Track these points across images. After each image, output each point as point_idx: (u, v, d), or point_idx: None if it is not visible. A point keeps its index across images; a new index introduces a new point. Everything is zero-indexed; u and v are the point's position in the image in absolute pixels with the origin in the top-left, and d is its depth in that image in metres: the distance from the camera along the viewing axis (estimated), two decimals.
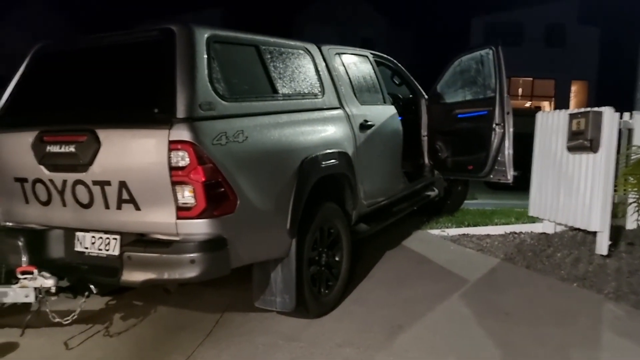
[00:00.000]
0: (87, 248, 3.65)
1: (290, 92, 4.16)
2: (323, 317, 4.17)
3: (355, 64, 5.35)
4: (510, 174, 5.47)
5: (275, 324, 4.06)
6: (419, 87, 6.65)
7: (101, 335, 3.94)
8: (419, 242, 6.28)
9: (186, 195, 3.17)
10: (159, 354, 3.68)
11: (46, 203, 3.64)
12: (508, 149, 5.42)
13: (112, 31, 3.82)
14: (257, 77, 3.92)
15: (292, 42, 4.45)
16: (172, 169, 3.14)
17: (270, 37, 4.22)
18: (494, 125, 5.41)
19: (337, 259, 4.42)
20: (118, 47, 3.72)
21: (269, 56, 4.05)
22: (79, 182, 3.44)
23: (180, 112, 3.17)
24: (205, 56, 3.41)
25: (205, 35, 3.49)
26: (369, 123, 5.00)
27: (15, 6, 26.71)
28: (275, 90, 3.99)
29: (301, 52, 4.49)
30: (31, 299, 3.44)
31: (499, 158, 5.47)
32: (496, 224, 7.02)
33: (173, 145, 3.12)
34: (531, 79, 30.25)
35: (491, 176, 5.59)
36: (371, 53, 5.83)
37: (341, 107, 4.71)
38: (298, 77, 4.31)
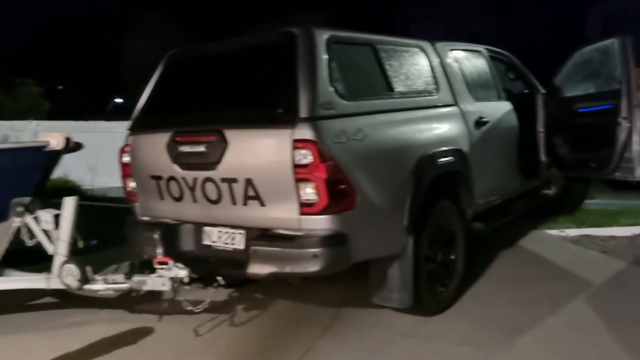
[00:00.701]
0: (214, 242, 3.88)
1: (406, 90, 4.18)
2: (439, 315, 4.14)
3: (468, 59, 5.26)
4: (639, 172, 5.11)
5: (391, 320, 4.09)
6: (535, 82, 6.39)
7: (226, 324, 4.16)
8: (536, 242, 6.03)
9: (309, 192, 3.28)
10: (280, 345, 3.83)
11: (178, 199, 3.91)
12: (636, 145, 5.07)
13: (234, 37, 4.05)
14: (373, 76, 3.97)
15: (406, 40, 4.46)
16: (296, 166, 3.27)
17: (385, 36, 4.26)
18: (619, 119, 5.08)
19: (452, 257, 4.37)
20: (242, 51, 3.93)
21: (384, 55, 4.10)
22: (208, 179, 3.68)
23: (303, 111, 3.30)
24: (325, 57, 3.52)
25: (325, 37, 3.59)
26: (484, 120, 4.89)
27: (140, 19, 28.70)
28: (391, 89, 4.02)
29: (415, 49, 4.49)
30: (167, 287, 3.72)
31: (625, 154, 5.13)
32: (622, 225, 6.57)
33: (296, 143, 3.25)
34: None
35: (617, 174, 5.26)
36: (485, 48, 5.69)
37: (456, 104, 4.65)
38: (413, 74, 4.32)
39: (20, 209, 3.83)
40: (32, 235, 3.94)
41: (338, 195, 3.30)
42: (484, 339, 3.74)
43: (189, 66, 4.20)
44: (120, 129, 9.81)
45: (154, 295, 4.30)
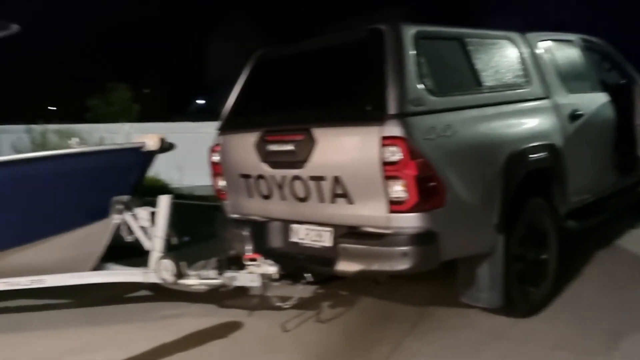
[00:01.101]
0: (301, 239, 3.94)
1: (496, 84, 4.06)
2: (531, 317, 3.98)
3: (561, 50, 5.02)
4: None
5: (479, 321, 3.98)
6: (634, 72, 6.02)
7: (313, 320, 4.20)
8: (635, 242, 5.68)
9: (398, 190, 3.26)
10: (366, 342, 3.83)
11: (267, 197, 4.00)
12: None
13: (316, 36, 4.08)
14: (462, 70, 3.89)
15: (494, 32, 4.33)
16: (385, 164, 3.25)
17: (473, 29, 4.16)
18: None
19: (545, 256, 4.20)
20: (329, 49, 3.96)
21: (472, 48, 4.00)
22: (296, 177, 3.73)
23: (392, 108, 3.28)
24: (413, 52, 3.48)
25: (412, 32, 3.55)
26: (578, 113, 4.66)
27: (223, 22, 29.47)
28: (480, 83, 3.92)
29: (504, 41, 4.35)
30: (257, 283, 3.81)
31: None
32: None
33: (385, 141, 3.24)
34: None
35: None
36: (578, 37, 5.42)
37: (548, 97, 4.46)
38: (502, 67, 4.18)
39: (119, 206, 4.05)
40: (130, 231, 4.15)
41: (428, 192, 3.26)
42: (581, 344, 3.57)
43: (276, 66, 4.28)
44: (205, 129, 10.20)
45: (242, 291, 4.41)
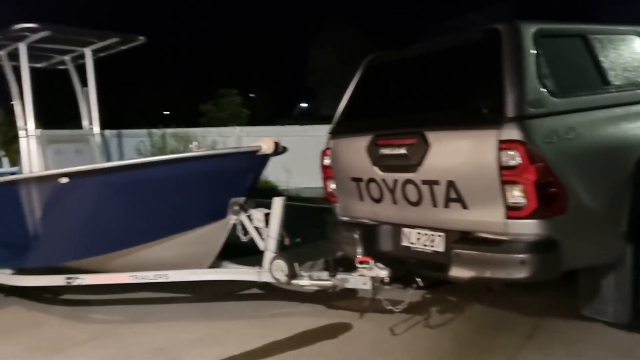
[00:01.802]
0: (412, 243, 3.91)
1: (624, 83, 3.80)
2: None
3: None
4: None
5: (603, 336, 3.74)
6: None
7: (422, 326, 4.15)
8: None
9: (516, 195, 3.15)
10: (479, 351, 3.72)
11: (378, 200, 4.01)
12: None
13: (425, 37, 4.03)
14: (586, 69, 3.68)
15: (622, 27, 4.06)
16: (502, 168, 3.15)
17: (597, 25, 3.92)
18: None
19: None
20: (443, 51, 3.90)
21: (597, 45, 3.77)
22: (408, 181, 3.71)
23: (510, 111, 3.17)
24: (533, 52, 3.35)
25: (532, 31, 3.42)
26: None
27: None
28: (606, 82, 3.69)
29: (633, 36, 4.06)
30: (368, 286, 3.82)
31: None
32: None
33: (503, 144, 3.14)
34: None
35: None
36: None
37: None
38: (631, 65, 3.90)
39: (236, 207, 4.23)
40: (245, 231, 4.33)
41: (548, 198, 3.12)
42: None
43: (388, 69, 4.29)
44: (313, 132, 10.46)
45: (350, 293, 4.45)
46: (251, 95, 31.11)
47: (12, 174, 6.03)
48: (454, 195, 3.45)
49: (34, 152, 5.20)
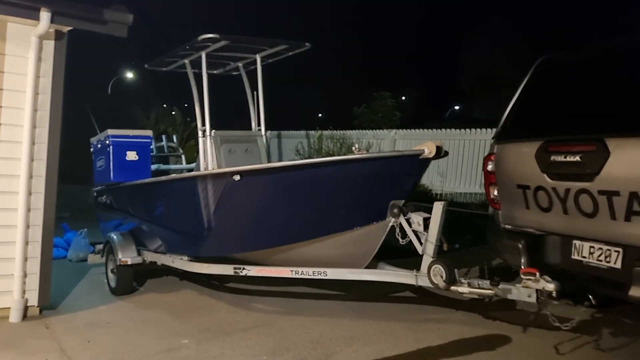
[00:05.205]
0: (584, 257, 3.64)
1: None
2: None
3: None
4: None
5: None
6: None
7: (591, 347, 3.86)
8: None
9: None
10: None
11: (546, 210, 3.79)
12: None
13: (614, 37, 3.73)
14: None
15: None
16: None
17: None
18: None
19: None
20: (623, 52, 3.59)
21: None
22: (583, 191, 3.46)
23: None
24: None
25: None
26: None
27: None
28: None
29: None
30: (533, 299, 3.60)
31: None
32: None
33: None
34: None
35: None
36: None
37: None
38: None
39: (396, 210, 4.24)
40: (403, 234, 4.32)
41: None
42: None
43: (561, 72, 4.04)
44: (469, 136, 10.18)
45: (509, 305, 4.26)
46: (403, 97, 31.02)
47: (190, 170, 6.64)
48: (638, 208, 3.16)
49: (209, 151, 5.65)
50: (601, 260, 3.51)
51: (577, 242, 3.69)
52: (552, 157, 3.64)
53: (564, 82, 3.98)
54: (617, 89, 3.52)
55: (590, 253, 3.59)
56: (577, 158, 3.45)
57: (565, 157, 3.54)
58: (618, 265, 3.37)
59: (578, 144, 3.47)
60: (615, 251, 3.43)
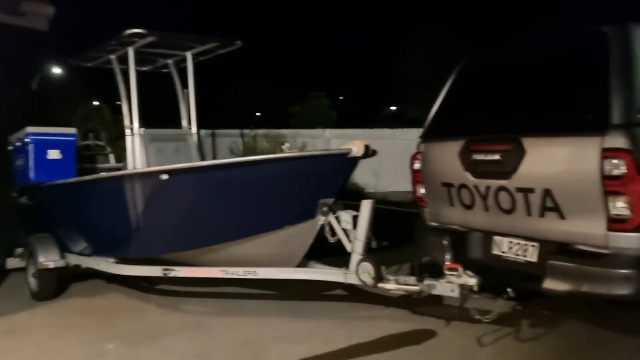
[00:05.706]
0: (504, 252, 3.79)
1: None
2: None
3: None
4: None
5: None
6: None
7: (511, 338, 4.00)
8: None
9: (620, 206, 2.98)
10: None
11: (469, 207, 3.92)
12: None
13: (523, 43, 3.90)
14: None
15: None
16: (605, 178, 3.00)
17: None
18: None
19: None
20: (541, 55, 3.76)
21: None
22: (502, 188, 3.61)
23: (616, 118, 3.02)
24: None
25: None
26: None
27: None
28: None
29: None
30: (456, 294, 3.73)
31: None
32: None
33: (607, 153, 2.98)
34: None
35: None
36: None
37: None
38: None
39: (325, 208, 4.27)
40: (333, 232, 4.36)
41: None
42: None
43: (483, 74, 4.18)
44: (402, 136, 10.39)
45: (435, 300, 4.37)
46: (340, 97, 31.32)
47: (118, 169, 6.44)
48: (551, 204, 3.32)
49: (137, 150, 5.51)
50: (519, 255, 3.67)
51: (497, 238, 3.83)
52: (474, 156, 3.77)
53: (486, 83, 4.12)
54: (532, 91, 3.68)
55: (509, 248, 3.74)
56: (497, 157, 3.58)
57: (485, 156, 3.67)
58: (534, 259, 3.53)
59: (497, 143, 3.61)
60: (532, 246, 3.59)
